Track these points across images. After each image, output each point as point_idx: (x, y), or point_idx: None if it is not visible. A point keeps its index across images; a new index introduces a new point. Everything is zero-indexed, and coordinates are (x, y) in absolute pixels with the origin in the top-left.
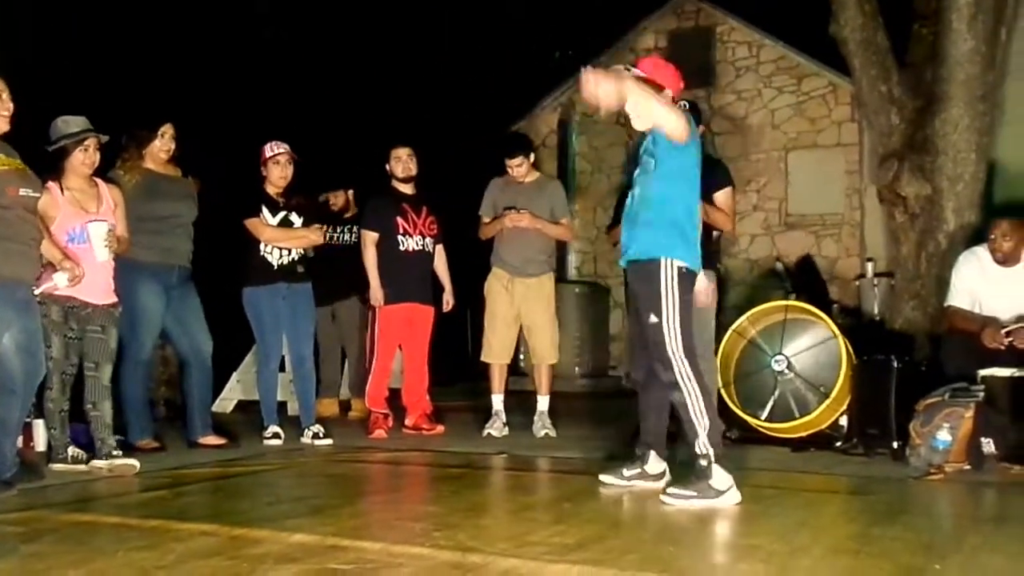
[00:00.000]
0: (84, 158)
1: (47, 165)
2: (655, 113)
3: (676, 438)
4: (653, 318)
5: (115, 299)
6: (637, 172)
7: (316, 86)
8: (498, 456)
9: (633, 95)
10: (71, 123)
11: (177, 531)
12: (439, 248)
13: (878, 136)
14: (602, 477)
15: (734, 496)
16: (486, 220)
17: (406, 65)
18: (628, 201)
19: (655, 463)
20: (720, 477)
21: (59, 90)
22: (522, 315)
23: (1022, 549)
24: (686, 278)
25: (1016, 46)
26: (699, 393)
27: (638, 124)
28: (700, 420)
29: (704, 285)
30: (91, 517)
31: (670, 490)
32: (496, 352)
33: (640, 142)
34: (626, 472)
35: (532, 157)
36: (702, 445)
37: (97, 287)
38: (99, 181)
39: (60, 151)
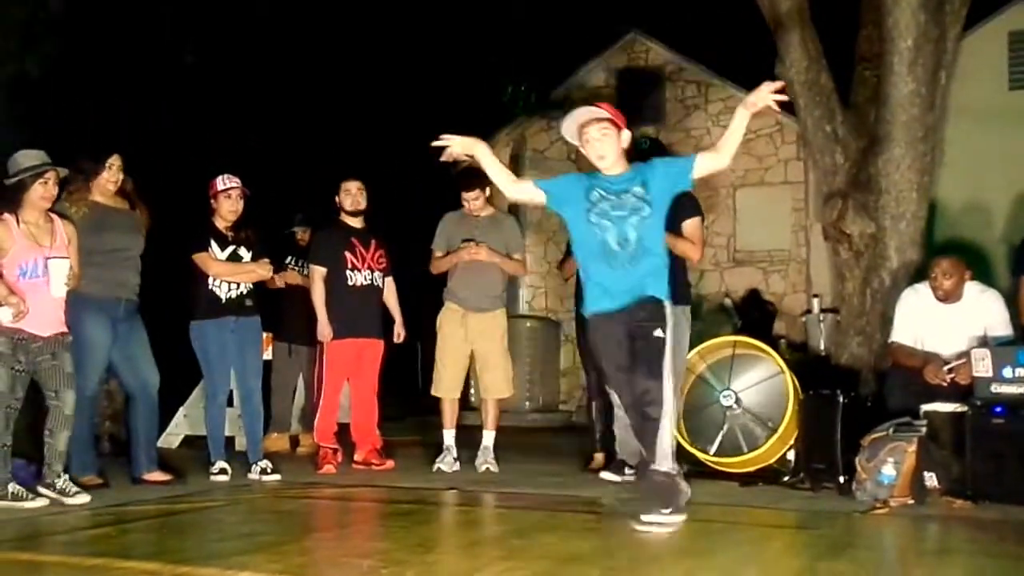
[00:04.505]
0: (43, 192)
1: (3, 198)
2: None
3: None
4: (659, 332)
5: (65, 329)
6: (620, 212)
7: (267, 119)
8: (448, 491)
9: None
10: (30, 156)
11: (119, 569)
12: (388, 281)
13: (823, 175)
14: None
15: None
16: (439, 254)
17: (358, 99)
18: (610, 240)
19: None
20: (685, 489)
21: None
22: (475, 350)
23: None
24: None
25: (953, 89)
26: (674, 414)
27: (607, 165)
28: (670, 440)
29: None
30: (30, 556)
31: (644, 518)
32: (446, 387)
33: (605, 179)
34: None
35: (488, 191)
36: (670, 464)
37: (48, 321)
38: (54, 216)
39: (18, 184)
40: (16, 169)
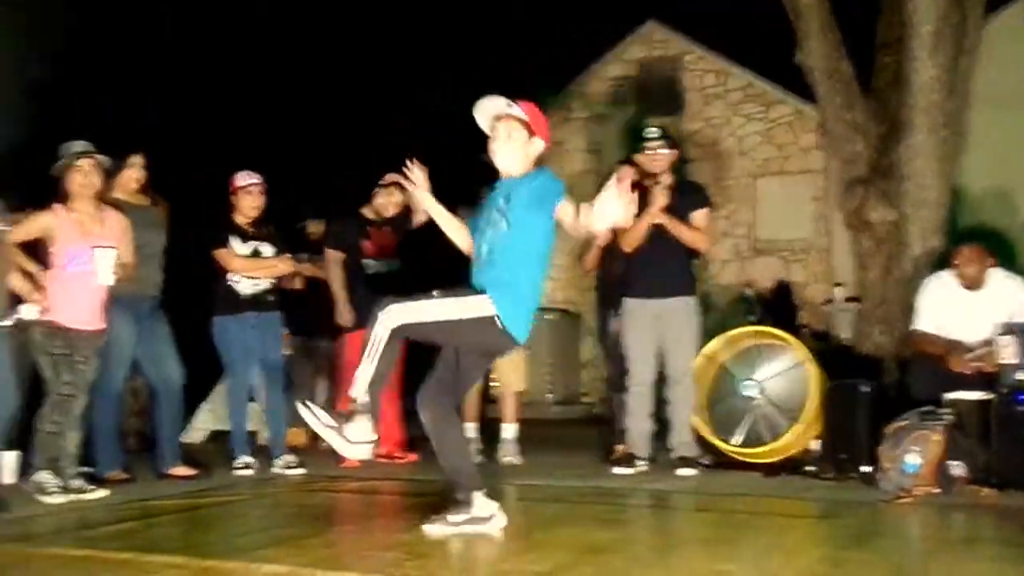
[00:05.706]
0: (81, 180)
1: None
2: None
3: None
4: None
5: (103, 325)
6: (484, 226)
7: (282, 114)
8: None
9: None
10: (72, 146)
11: (146, 564)
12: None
13: (843, 163)
14: (426, 528)
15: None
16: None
17: (371, 93)
18: (477, 244)
19: (483, 504)
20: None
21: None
22: None
23: (989, 570)
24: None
25: (976, 74)
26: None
27: (500, 166)
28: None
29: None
30: (58, 550)
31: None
32: None
33: (499, 184)
34: (451, 518)
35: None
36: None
37: (88, 313)
38: (105, 206)
39: (60, 174)
40: (59, 160)
